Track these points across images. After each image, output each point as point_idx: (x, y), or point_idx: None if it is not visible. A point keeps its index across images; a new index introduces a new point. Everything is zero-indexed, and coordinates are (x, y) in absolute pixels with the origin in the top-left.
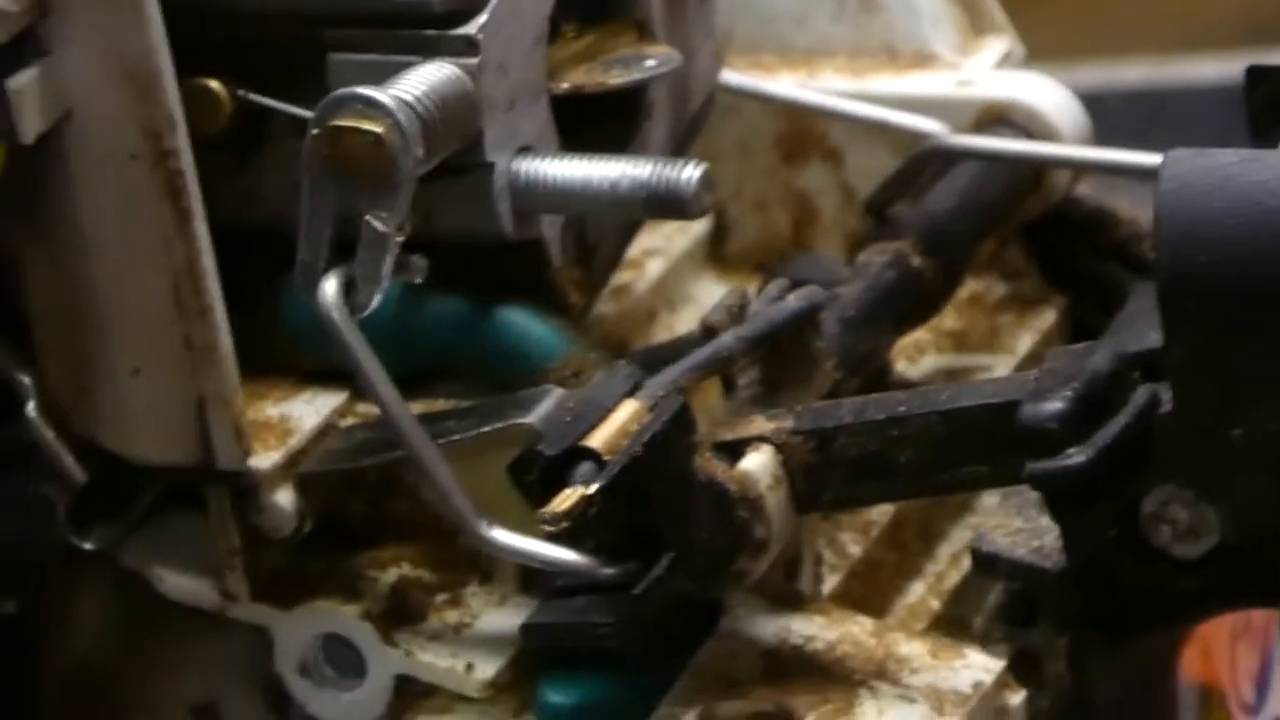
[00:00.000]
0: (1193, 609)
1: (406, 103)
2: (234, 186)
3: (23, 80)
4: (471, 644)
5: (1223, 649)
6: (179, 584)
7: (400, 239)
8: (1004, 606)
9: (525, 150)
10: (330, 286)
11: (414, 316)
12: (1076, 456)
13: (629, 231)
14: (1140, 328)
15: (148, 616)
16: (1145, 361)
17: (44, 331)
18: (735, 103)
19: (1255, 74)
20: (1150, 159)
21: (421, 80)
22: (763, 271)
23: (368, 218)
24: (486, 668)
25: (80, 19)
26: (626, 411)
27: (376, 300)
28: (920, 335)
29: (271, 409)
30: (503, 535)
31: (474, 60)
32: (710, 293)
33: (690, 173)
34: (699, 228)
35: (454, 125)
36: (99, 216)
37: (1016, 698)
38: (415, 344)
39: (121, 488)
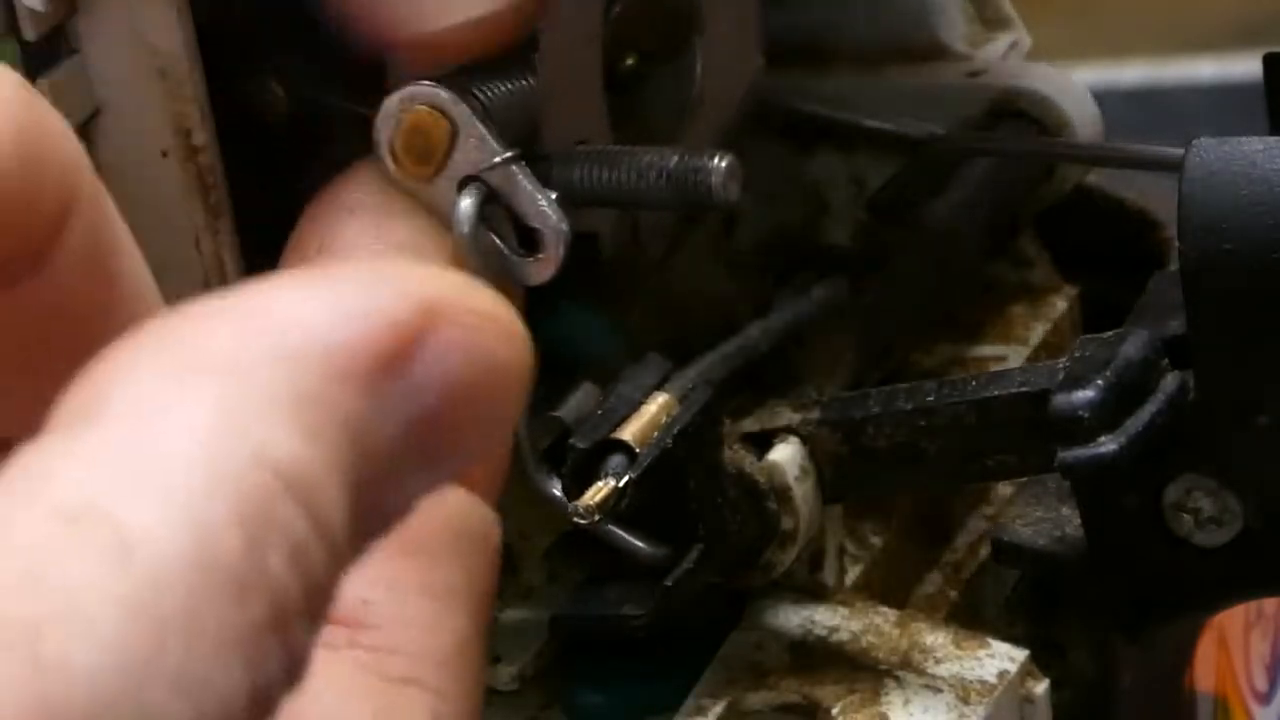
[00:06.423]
0: (1214, 597)
1: (475, 95)
2: (293, 185)
3: (53, 78)
4: (499, 636)
5: (1236, 637)
6: None
7: None
8: (1026, 596)
9: (580, 144)
10: None
11: None
12: (1108, 445)
13: (677, 224)
14: (1161, 316)
15: None
16: (1174, 348)
17: None
18: None
19: (1274, 61)
20: (1171, 152)
21: (485, 73)
22: (780, 262)
23: None
24: (514, 660)
25: (109, 16)
26: (657, 404)
27: None
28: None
29: None
30: None
31: (535, 53)
32: (719, 285)
33: (717, 162)
34: (709, 219)
35: (516, 118)
36: (129, 214)
37: (1041, 687)
38: None
39: None
